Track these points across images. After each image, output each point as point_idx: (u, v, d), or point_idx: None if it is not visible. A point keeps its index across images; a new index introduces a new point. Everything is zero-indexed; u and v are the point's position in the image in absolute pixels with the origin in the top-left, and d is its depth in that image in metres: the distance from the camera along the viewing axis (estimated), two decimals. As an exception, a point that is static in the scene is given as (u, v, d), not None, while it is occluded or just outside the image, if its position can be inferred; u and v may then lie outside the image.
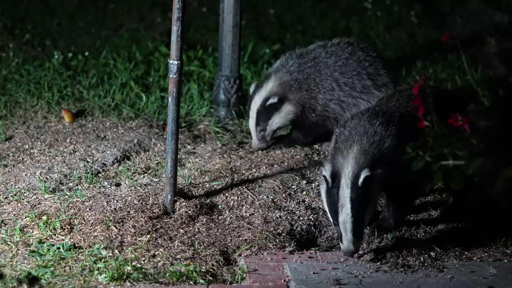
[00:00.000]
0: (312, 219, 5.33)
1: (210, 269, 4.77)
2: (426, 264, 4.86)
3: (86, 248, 4.91)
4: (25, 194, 5.52)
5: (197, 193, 5.54)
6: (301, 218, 5.34)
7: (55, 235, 5.07)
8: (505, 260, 4.95)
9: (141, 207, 5.30)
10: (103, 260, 4.79)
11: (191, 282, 4.64)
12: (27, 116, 6.66)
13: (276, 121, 6.31)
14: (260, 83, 6.39)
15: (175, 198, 5.33)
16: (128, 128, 6.50)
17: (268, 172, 5.85)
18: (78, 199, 5.41)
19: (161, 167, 5.91)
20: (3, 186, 5.63)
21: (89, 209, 5.31)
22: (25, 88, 7.06)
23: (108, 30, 8.59)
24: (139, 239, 5.01)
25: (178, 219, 5.21)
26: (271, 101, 6.25)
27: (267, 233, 5.11)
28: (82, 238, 5.02)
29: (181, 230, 5.13)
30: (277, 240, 5.06)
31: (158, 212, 5.27)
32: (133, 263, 4.74)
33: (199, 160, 6.05)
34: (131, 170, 5.89)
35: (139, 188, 5.57)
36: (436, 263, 4.87)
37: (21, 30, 8.47)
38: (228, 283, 4.68)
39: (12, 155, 6.10)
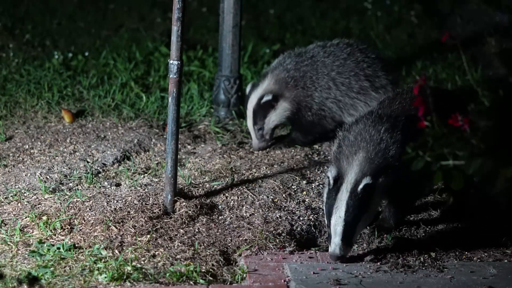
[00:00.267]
0: (312, 219, 5.33)
1: (210, 269, 4.76)
2: (426, 264, 4.86)
3: (86, 248, 4.90)
4: (25, 194, 5.52)
5: (197, 193, 5.53)
6: (301, 218, 5.33)
7: (55, 235, 5.07)
8: (505, 260, 4.95)
9: (141, 207, 5.29)
10: (103, 260, 4.79)
11: (191, 282, 4.64)
12: (27, 116, 6.66)
13: (273, 118, 6.30)
14: (257, 82, 6.39)
15: (175, 198, 5.33)
16: (128, 128, 6.50)
17: (268, 172, 5.85)
18: (78, 199, 5.41)
19: (161, 167, 5.91)
20: (3, 186, 5.63)
21: (89, 209, 5.30)
22: (25, 88, 7.06)
23: (108, 30, 8.59)
24: (139, 239, 5.01)
25: (178, 219, 5.21)
26: (265, 98, 6.25)
27: (267, 233, 5.11)
28: (82, 238, 5.02)
29: (181, 230, 5.13)
30: (277, 240, 5.05)
31: (158, 212, 5.26)
32: (133, 263, 4.74)
33: (199, 160, 6.05)
34: (131, 170, 5.89)
35: (139, 188, 5.57)
36: (436, 263, 4.87)
37: (21, 30, 8.46)
38: (228, 283, 4.68)
39: (12, 155, 6.09)
